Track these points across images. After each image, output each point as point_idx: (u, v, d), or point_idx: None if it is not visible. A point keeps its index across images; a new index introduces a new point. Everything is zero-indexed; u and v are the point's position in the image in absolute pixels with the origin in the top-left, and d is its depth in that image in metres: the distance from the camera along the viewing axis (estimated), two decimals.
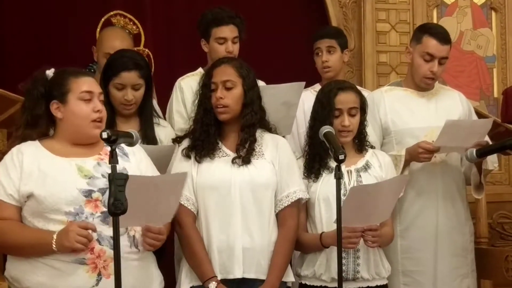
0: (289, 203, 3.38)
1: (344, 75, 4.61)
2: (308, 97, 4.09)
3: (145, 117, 3.73)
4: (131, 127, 3.60)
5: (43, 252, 2.95)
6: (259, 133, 3.42)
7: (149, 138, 3.68)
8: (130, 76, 3.62)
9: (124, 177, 2.67)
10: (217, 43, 4.11)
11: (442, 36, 4.02)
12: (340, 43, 4.34)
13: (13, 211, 3.02)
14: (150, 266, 3.17)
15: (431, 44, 3.98)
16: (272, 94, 3.72)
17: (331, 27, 4.43)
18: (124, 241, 3.00)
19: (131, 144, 2.95)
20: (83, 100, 3.06)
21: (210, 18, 4.13)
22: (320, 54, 4.34)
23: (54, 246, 2.91)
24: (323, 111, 3.54)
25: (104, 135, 2.77)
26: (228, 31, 4.11)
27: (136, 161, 3.17)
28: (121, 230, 2.97)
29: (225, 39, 4.10)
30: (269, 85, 3.89)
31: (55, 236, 2.92)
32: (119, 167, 2.96)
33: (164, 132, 3.79)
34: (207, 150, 3.35)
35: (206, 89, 3.40)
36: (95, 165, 3.07)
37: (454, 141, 3.79)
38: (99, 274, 2.96)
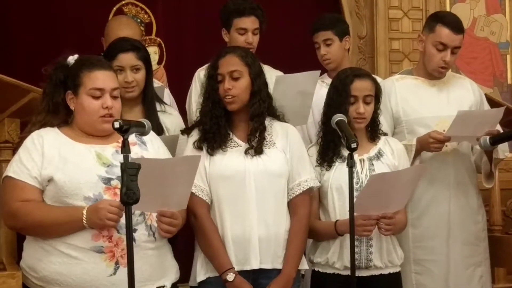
0: (301, 191, 3.38)
1: (352, 62, 4.59)
2: (316, 87, 4.09)
3: (148, 104, 3.72)
4: (136, 116, 3.61)
5: (72, 229, 2.94)
6: (268, 122, 3.41)
7: (153, 125, 3.67)
8: (127, 58, 3.62)
9: (136, 167, 2.66)
10: (238, 34, 4.15)
11: (456, 25, 3.99)
12: (337, 32, 4.27)
13: (37, 194, 3.02)
14: (166, 255, 3.17)
15: (444, 33, 3.96)
16: (288, 84, 3.74)
17: (326, 17, 4.36)
18: (141, 230, 3.02)
19: (143, 133, 2.95)
20: (92, 96, 3.06)
21: (232, 8, 4.17)
22: (318, 47, 4.32)
23: (85, 222, 2.91)
24: (339, 97, 3.53)
25: (116, 124, 2.77)
26: (249, 22, 4.15)
27: (154, 149, 3.18)
28: (139, 219, 3.01)
29: (246, 30, 4.15)
30: (285, 74, 3.89)
31: (85, 212, 2.91)
32: (137, 155, 2.99)
33: (170, 119, 3.79)
34: (219, 142, 3.34)
35: (212, 81, 3.39)
36: (114, 153, 3.07)
37: (465, 131, 3.78)
38: (117, 263, 2.97)
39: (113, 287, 2.96)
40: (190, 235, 3.45)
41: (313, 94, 3.91)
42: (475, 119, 3.81)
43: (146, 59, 3.68)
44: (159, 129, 3.66)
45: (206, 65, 4.06)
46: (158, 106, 3.77)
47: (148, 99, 3.72)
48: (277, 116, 3.46)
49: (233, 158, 3.33)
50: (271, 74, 3.99)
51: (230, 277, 3.24)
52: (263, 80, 3.41)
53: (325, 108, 3.59)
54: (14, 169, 3.03)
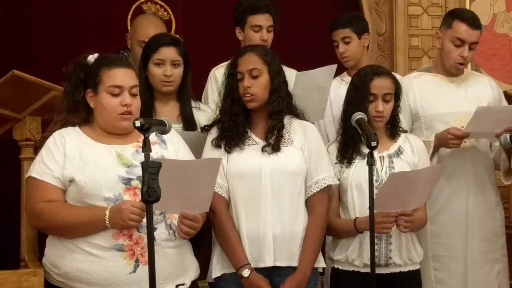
0: (319, 189, 3.38)
1: (371, 60, 4.58)
2: (334, 85, 4.11)
3: (183, 100, 3.75)
4: (171, 111, 3.65)
5: (95, 229, 2.97)
6: (287, 120, 3.42)
7: (188, 121, 3.70)
8: (169, 51, 3.66)
9: (157, 165, 2.67)
10: (252, 31, 4.16)
11: (473, 21, 3.99)
12: (356, 30, 4.26)
13: (60, 194, 3.05)
14: (186, 253, 3.19)
15: (462, 29, 3.96)
16: (308, 80, 3.75)
17: (344, 16, 4.35)
18: (161, 229, 3.04)
19: (164, 132, 2.96)
20: (111, 93, 3.08)
21: (246, 6, 4.18)
22: (337, 45, 4.30)
23: (107, 222, 2.94)
24: (358, 95, 3.54)
25: (137, 123, 2.77)
26: (264, 20, 4.16)
27: (174, 148, 3.20)
28: (159, 217, 3.02)
29: (261, 27, 4.15)
30: (304, 71, 3.89)
31: (107, 213, 2.94)
32: (157, 155, 3.00)
33: (204, 115, 3.80)
34: (236, 140, 3.35)
35: (232, 79, 3.40)
36: (134, 153, 3.09)
37: (484, 127, 3.78)
38: (137, 261, 2.99)
39: (132, 285, 2.99)
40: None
41: (329, 88, 3.91)
42: (494, 115, 3.80)
43: (185, 56, 3.72)
44: (193, 126, 3.69)
45: (221, 64, 4.10)
46: (192, 103, 3.79)
47: (184, 95, 3.75)
48: (297, 114, 3.46)
49: (249, 156, 3.34)
50: (286, 73, 4.00)
51: (246, 273, 3.25)
52: (282, 78, 3.41)
53: (345, 106, 3.60)
54: (36, 170, 3.06)
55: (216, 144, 3.38)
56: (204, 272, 3.35)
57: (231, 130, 3.37)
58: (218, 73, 4.12)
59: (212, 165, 3.06)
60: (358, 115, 3.37)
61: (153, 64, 3.66)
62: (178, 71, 3.69)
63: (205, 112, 3.84)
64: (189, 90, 3.80)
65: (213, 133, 3.43)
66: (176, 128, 3.37)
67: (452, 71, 4.06)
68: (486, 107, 3.91)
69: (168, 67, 3.66)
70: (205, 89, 4.23)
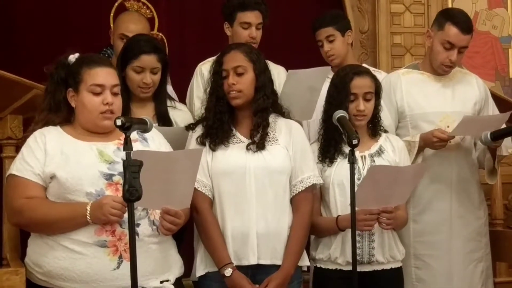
0: (303, 188, 3.38)
1: (355, 57, 4.57)
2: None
3: (159, 101, 3.74)
4: (146, 112, 3.64)
5: (76, 225, 2.96)
6: (272, 118, 3.42)
7: (164, 121, 3.69)
8: (149, 60, 3.64)
9: (138, 164, 2.67)
10: (241, 28, 4.13)
11: (465, 25, 3.98)
12: (339, 28, 4.26)
13: (41, 191, 3.04)
14: (170, 250, 3.19)
15: (453, 32, 3.95)
16: (299, 79, 3.74)
17: (326, 14, 4.33)
18: (144, 225, 3.03)
19: (145, 130, 2.97)
20: (93, 92, 3.08)
21: (236, 2, 4.15)
22: (321, 45, 4.30)
23: (88, 218, 2.93)
24: (339, 95, 3.54)
25: (118, 122, 2.78)
26: (253, 17, 4.13)
27: (155, 146, 3.19)
28: (142, 213, 3.02)
29: (250, 24, 4.13)
30: (296, 70, 3.89)
31: (88, 208, 2.93)
32: None
33: (180, 115, 3.80)
34: (221, 138, 3.35)
35: (217, 77, 3.40)
36: (115, 150, 3.09)
37: (469, 132, 3.82)
38: (120, 257, 2.98)
39: (116, 281, 2.98)
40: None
41: (320, 90, 3.90)
42: (479, 123, 3.83)
43: (165, 61, 3.71)
44: (169, 124, 3.68)
45: (207, 60, 4.07)
46: (168, 102, 3.79)
47: (160, 97, 3.74)
48: (283, 113, 3.47)
49: (234, 154, 3.34)
50: (273, 70, 4.00)
51: (228, 272, 3.26)
52: (268, 76, 3.42)
53: (326, 106, 3.61)
54: (17, 167, 3.05)
55: (201, 142, 3.38)
56: (187, 270, 3.34)
57: (216, 127, 3.37)
58: (204, 68, 4.08)
59: (193, 157, 3.05)
60: (339, 113, 3.38)
61: (132, 70, 3.64)
62: (157, 77, 3.68)
63: (181, 111, 3.84)
64: (166, 91, 3.80)
65: (198, 131, 3.43)
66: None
67: (439, 71, 4.07)
68: (472, 117, 3.93)
69: (147, 74, 3.64)
70: (190, 84, 4.19)
